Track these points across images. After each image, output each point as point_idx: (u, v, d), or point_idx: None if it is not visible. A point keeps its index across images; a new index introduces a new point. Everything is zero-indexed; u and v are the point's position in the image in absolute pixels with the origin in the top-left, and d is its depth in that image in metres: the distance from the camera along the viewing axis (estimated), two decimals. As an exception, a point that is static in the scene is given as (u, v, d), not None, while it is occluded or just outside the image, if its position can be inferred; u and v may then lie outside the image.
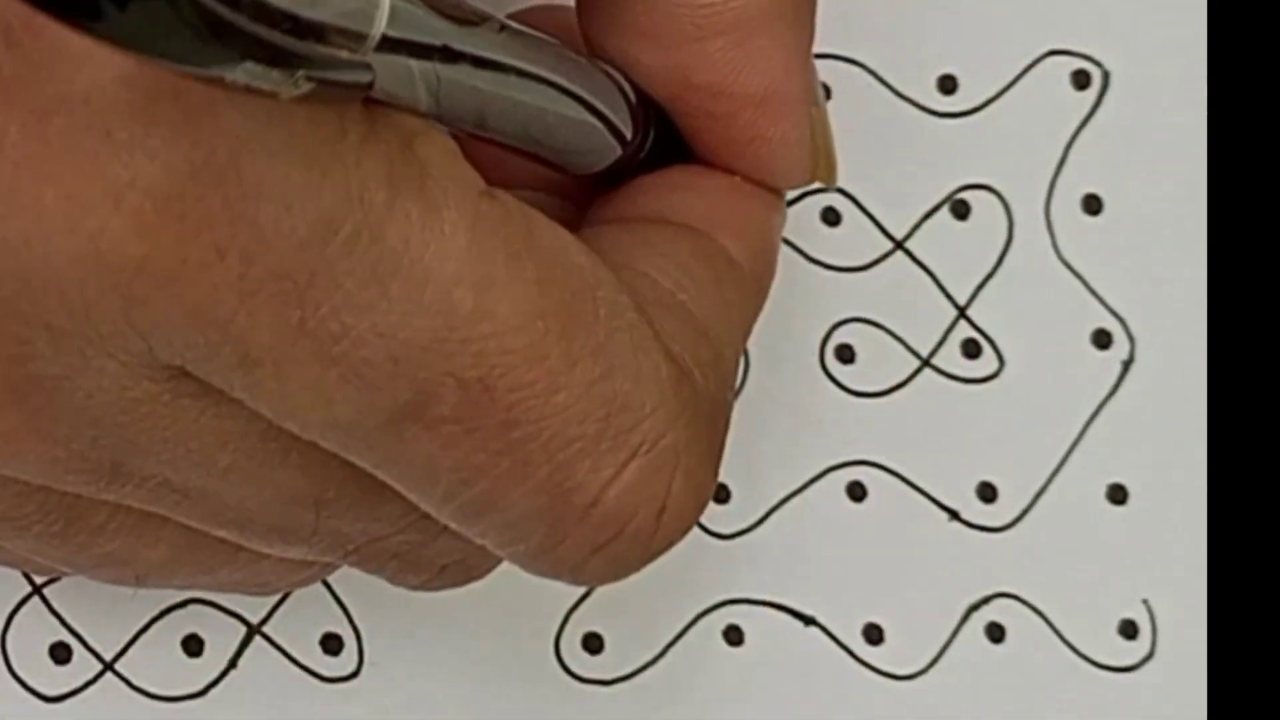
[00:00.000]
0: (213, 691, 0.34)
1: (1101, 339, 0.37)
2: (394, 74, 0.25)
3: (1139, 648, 0.36)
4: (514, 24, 0.28)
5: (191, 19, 0.20)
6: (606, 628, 0.35)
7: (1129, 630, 0.36)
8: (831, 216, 0.36)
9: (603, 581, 0.28)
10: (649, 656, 0.35)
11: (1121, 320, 0.37)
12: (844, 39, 0.36)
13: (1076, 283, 0.37)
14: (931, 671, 0.35)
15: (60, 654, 0.33)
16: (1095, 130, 0.37)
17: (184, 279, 0.24)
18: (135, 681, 0.33)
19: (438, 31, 0.26)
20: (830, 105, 0.36)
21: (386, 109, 0.25)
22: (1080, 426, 0.36)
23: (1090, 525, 0.36)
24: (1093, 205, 0.37)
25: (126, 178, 0.24)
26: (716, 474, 0.28)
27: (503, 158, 0.29)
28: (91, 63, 0.23)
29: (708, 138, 0.31)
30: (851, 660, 0.35)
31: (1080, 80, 0.37)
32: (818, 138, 0.31)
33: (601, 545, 0.27)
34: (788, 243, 0.36)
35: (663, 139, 0.31)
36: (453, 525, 0.27)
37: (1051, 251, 0.37)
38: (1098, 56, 0.37)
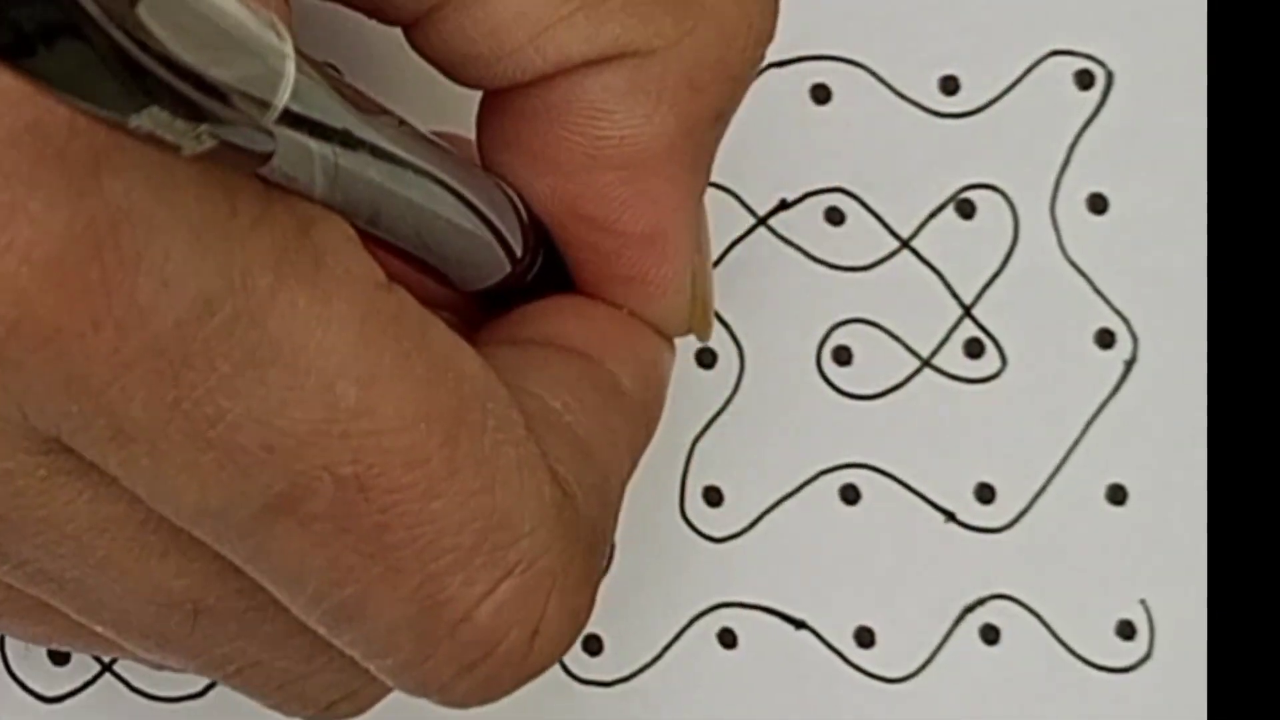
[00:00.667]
0: (211, 692, 0.34)
1: (1105, 338, 0.36)
2: (293, 153, 0.24)
3: (1136, 648, 0.36)
4: (413, 124, 0.28)
5: (107, 60, 0.20)
6: (605, 629, 0.35)
7: (1126, 631, 0.36)
8: (836, 216, 0.36)
9: (472, 703, 0.28)
10: (648, 658, 0.35)
11: (1125, 320, 0.36)
12: (845, 40, 0.36)
13: (1081, 282, 0.37)
14: (924, 674, 0.36)
15: (59, 654, 0.33)
16: (1100, 130, 0.37)
17: (58, 346, 0.24)
18: (134, 682, 0.33)
19: (339, 115, 0.26)
20: (832, 106, 0.36)
21: (285, 193, 0.25)
22: (1081, 426, 0.36)
23: (1089, 526, 0.36)
24: (1098, 204, 0.37)
25: (4, 240, 0.23)
26: (593, 600, 0.28)
27: (391, 269, 0.28)
28: None
29: (590, 269, 0.30)
30: (842, 663, 0.35)
31: (1084, 80, 0.36)
32: (697, 287, 0.31)
33: (471, 664, 0.27)
34: (790, 243, 0.36)
35: (550, 264, 0.31)
36: (321, 631, 0.27)
37: (1057, 251, 0.36)
38: (1101, 56, 0.37)
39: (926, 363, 0.36)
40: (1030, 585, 0.36)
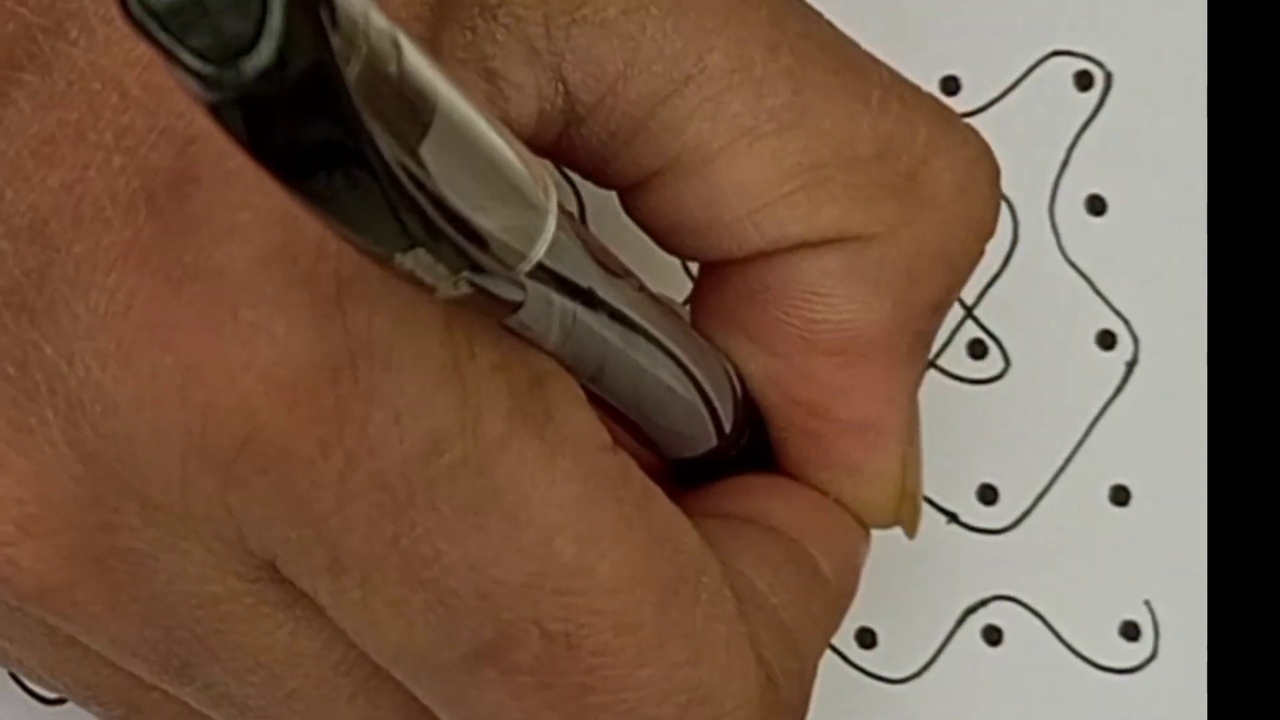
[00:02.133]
0: (211, 693, 0.34)
1: (1106, 340, 0.36)
2: (536, 304, 0.24)
3: (1141, 649, 0.36)
4: (649, 289, 0.28)
5: (385, 194, 0.20)
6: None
7: (1130, 632, 0.36)
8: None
9: None
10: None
11: (1126, 321, 0.36)
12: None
13: (1082, 283, 0.36)
14: (926, 675, 0.35)
15: (60, 656, 0.33)
16: (1099, 131, 0.37)
17: (285, 469, 0.23)
18: (135, 683, 0.33)
19: (587, 273, 0.25)
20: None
21: (521, 343, 0.25)
22: (1084, 428, 0.36)
23: (1092, 527, 0.36)
24: (1097, 205, 0.37)
25: (244, 358, 0.23)
26: None
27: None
28: (230, 239, 0.23)
29: (799, 454, 0.30)
30: (844, 664, 0.35)
31: (1083, 81, 0.36)
32: (908, 480, 0.30)
33: None
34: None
35: (755, 439, 0.30)
36: None
37: (1057, 252, 0.36)
38: (1100, 57, 0.37)
39: (930, 363, 0.36)
40: (1033, 586, 0.36)
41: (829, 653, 0.35)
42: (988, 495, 0.36)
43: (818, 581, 0.29)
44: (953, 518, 0.36)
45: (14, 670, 0.29)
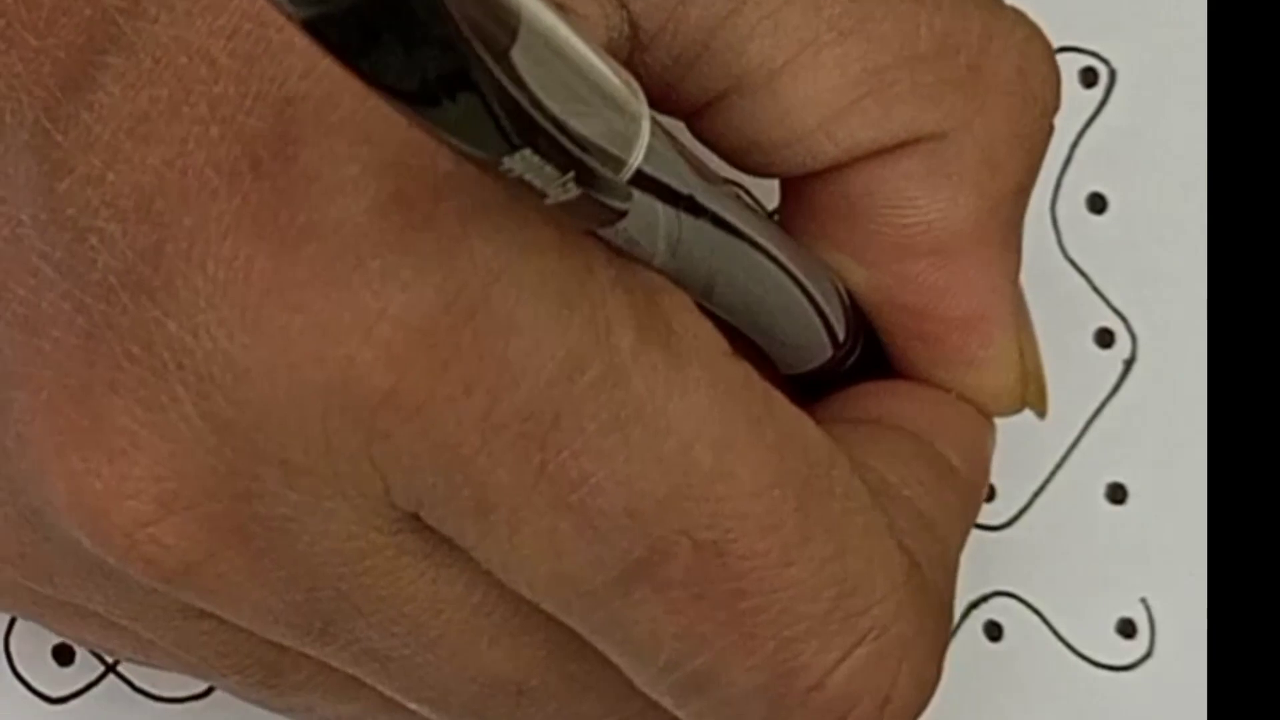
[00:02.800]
0: (215, 692, 0.33)
1: (1104, 338, 0.37)
2: (640, 215, 0.24)
3: (1137, 647, 0.36)
4: (759, 210, 0.28)
5: (489, 103, 0.20)
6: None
7: (1127, 629, 0.36)
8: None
9: None
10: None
11: (1124, 319, 0.37)
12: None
13: (1081, 281, 0.37)
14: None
15: (63, 655, 0.33)
16: (1101, 129, 0.37)
17: (430, 414, 0.23)
18: (137, 683, 0.33)
19: (686, 179, 0.25)
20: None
21: (630, 259, 0.25)
22: (1081, 425, 0.36)
23: (1089, 524, 0.36)
24: (1097, 204, 0.37)
25: (377, 308, 0.23)
26: (941, 670, 0.27)
27: None
28: (343, 193, 0.23)
29: (913, 356, 0.30)
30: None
31: (1088, 78, 0.36)
32: (1028, 363, 0.30)
33: None
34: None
35: (866, 351, 0.30)
36: (666, 702, 0.26)
37: (1057, 249, 0.37)
38: (1105, 54, 0.37)
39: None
40: (1032, 583, 0.36)
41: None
42: (987, 491, 0.36)
43: (950, 473, 0.29)
44: (955, 515, 0.36)
45: (133, 658, 0.28)
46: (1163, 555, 0.36)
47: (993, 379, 0.30)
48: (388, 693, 0.27)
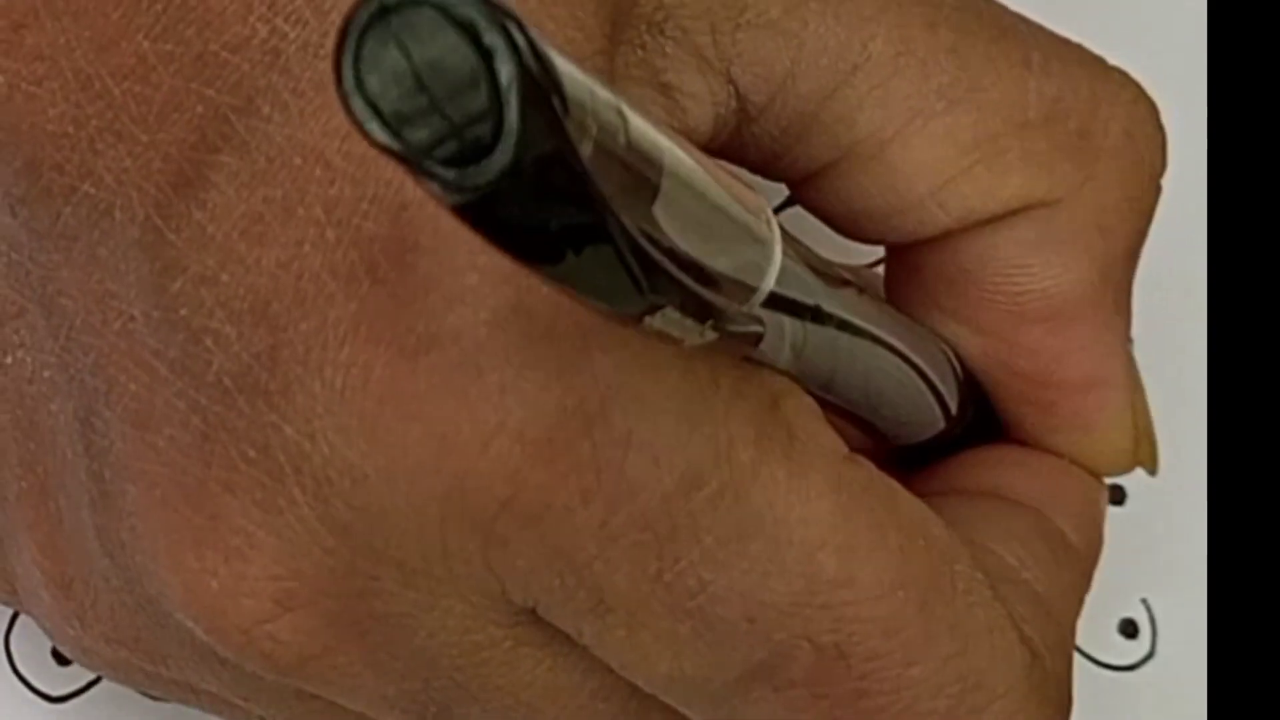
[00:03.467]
0: (216, 692, 0.33)
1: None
2: (770, 332, 0.24)
3: (1139, 647, 0.36)
4: (875, 294, 0.27)
5: (626, 261, 0.20)
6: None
7: (1129, 629, 0.36)
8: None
9: None
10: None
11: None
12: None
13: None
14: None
15: (63, 654, 0.33)
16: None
17: (547, 522, 0.23)
18: (138, 682, 0.33)
19: (813, 291, 0.26)
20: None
21: (754, 365, 0.25)
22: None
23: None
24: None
25: (496, 420, 0.23)
26: None
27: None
28: (462, 302, 0.23)
29: (1028, 421, 0.30)
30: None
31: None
32: (1140, 424, 0.30)
33: None
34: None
35: (978, 415, 0.30)
36: None
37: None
38: (1102, 56, 0.37)
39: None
40: (1034, 583, 0.36)
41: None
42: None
43: (1065, 549, 0.29)
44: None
45: None
46: (1164, 556, 0.36)
47: (1108, 441, 0.30)
48: None
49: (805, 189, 0.29)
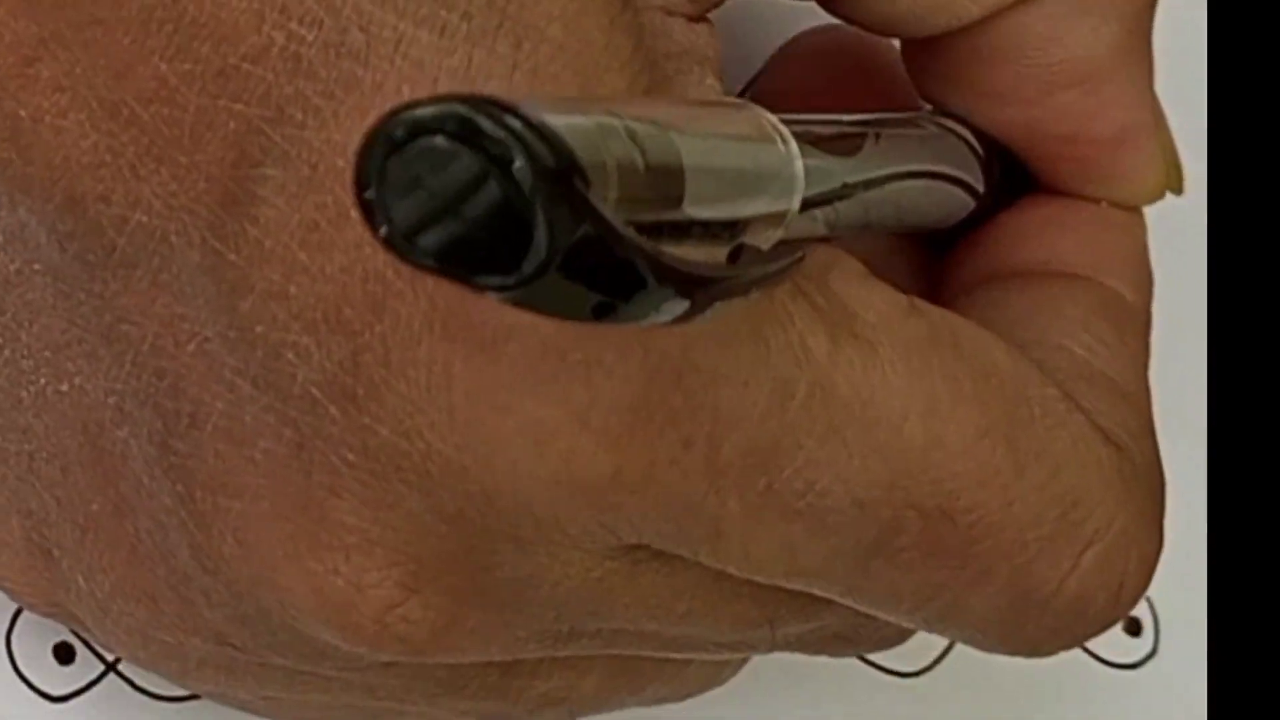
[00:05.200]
0: (219, 691, 0.33)
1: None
2: (804, 225, 0.25)
3: (1142, 645, 0.36)
4: (886, 128, 0.28)
5: (686, 291, 0.20)
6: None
7: (1133, 627, 0.36)
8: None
9: (1058, 652, 0.29)
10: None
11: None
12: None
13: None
14: (936, 668, 0.35)
15: (64, 654, 0.32)
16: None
17: (654, 478, 0.24)
18: (139, 682, 0.32)
19: (835, 175, 0.26)
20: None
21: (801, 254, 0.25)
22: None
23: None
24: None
25: (588, 398, 0.23)
26: (1162, 536, 0.28)
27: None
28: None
29: (1066, 179, 0.31)
30: (856, 657, 0.35)
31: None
32: (1167, 154, 0.31)
33: (1061, 631, 0.28)
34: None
35: (1009, 173, 0.31)
36: (916, 626, 0.28)
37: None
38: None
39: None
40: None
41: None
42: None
43: (1126, 316, 0.30)
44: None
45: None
46: (1167, 553, 0.36)
47: (1139, 181, 0.31)
48: (643, 654, 0.28)
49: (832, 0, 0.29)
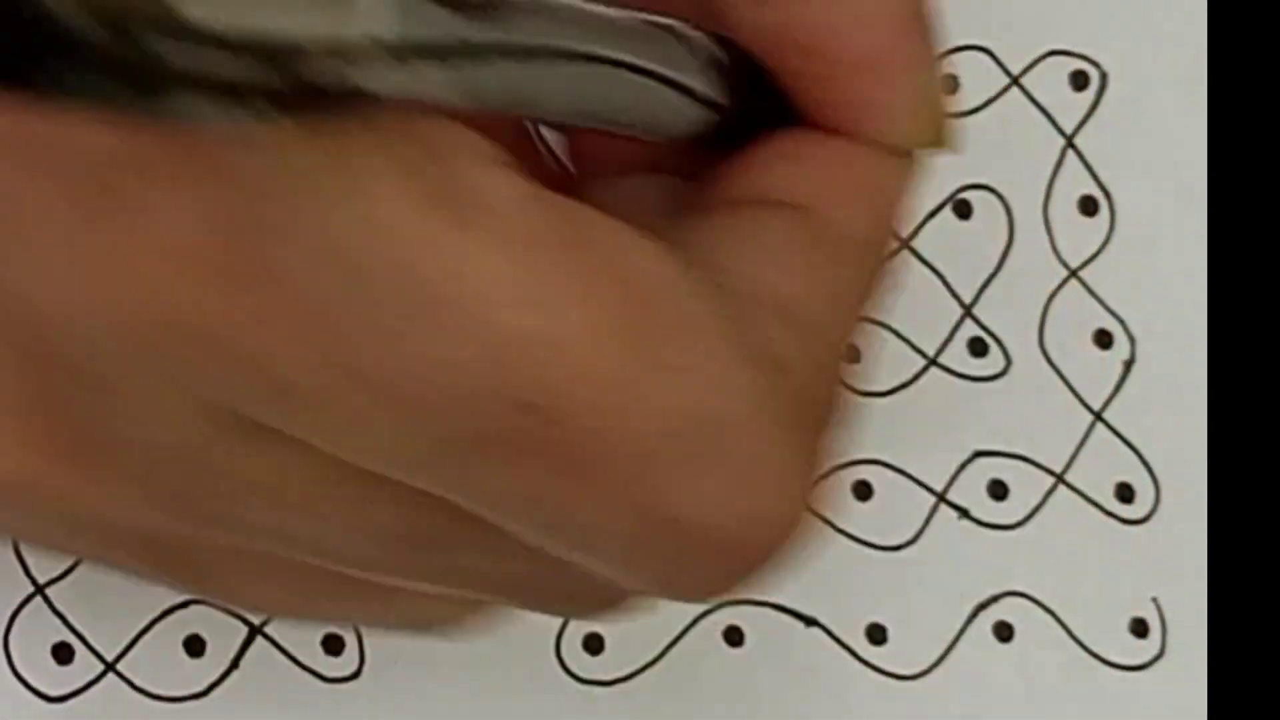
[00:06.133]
0: (214, 692, 0.33)
1: (1103, 339, 0.37)
2: (408, 79, 0.23)
3: (1149, 646, 0.36)
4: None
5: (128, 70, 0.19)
6: (607, 628, 0.35)
7: (1139, 628, 0.36)
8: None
9: (700, 598, 0.27)
10: (649, 657, 0.35)
11: (1121, 321, 0.37)
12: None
13: (1075, 283, 0.37)
14: (936, 671, 0.35)
15: (62, 654, 0.33)
16: (1094, 131, 0.37)
17: (222, 332, 0.23)
18: (137, 682, 0.33)
19: (447, 26, 0.23)
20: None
21: (410, 121, 0.24)
22: (1087, 425, 0.36)
23: (1100, 523, 0.36)
24: (1091, 206, 0.37)
25: (143, 239, 0.23)
26: (812, 482, 0.26)
27: (598, 139, 0.27)
28: (88, 123, 0.23)
29: (809, 100, 0.28)
30: (854, 660, 0.35)
31: (1079, 81, 0.37)
32: (927, 100, 0.29)
33: (692, 562, 0.26)
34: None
35: (774, 99, 0.29)
36: (537, 546, 0.26)
37: (1051, 251, 0.37)
38: (1096, 57, 0.37)
39: (933, 361, 0.36)
40: (1043, 583, 0.36)
41: (839, 650, 0.35)
42: (998, 490, 0.36)
43: (839, 248, 0.28)
44: (964, 513, 0.36)
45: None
46: (1174, 555, 0.36)
47: (890, 120, 0.28)
48: (305, 559, 0.27)
49: None
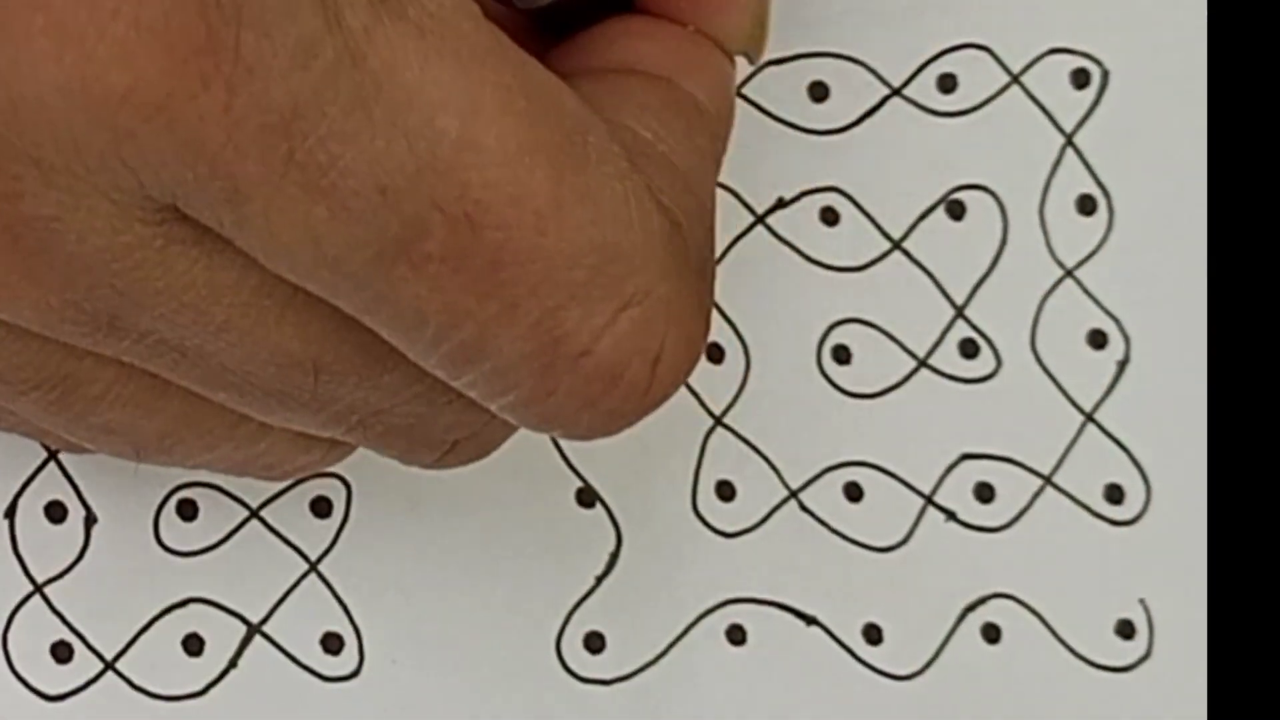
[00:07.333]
0: (213, 691, 0.34)
1: (1097, 339, 0.37)
2: None
3: (1136, 648, 0.36)
4: None
5: None
6: (608, 627, 0.35)
7: (1126, 630, 0.36)
8: (830, 216, 0.36)
9: (595, 436, 0.28)
10: (650, 656, 0.35)
11: (1117, 321, 0.37)
12: (844, 37, 0.36)
13: (1071, 283, 0.37)
14: (928, 672, 0.36)
15: (61, 653, 0.33)
16: (1094, 129, 0.37)
17: (170, 110, 0.24)
18: (136, 680, 0.33)
19: None
20: (830, 103, 0.36)
21: None
22: (1078, 426, 0.36)
23: (1088, 525, 0.36)
24: (1088, 205, 0.37)
25: (111, 6, 0.23)
26: (708, 328, 0.28)
27: None
28: None
29: None
30: (852, 660, 0.35)
31: (1079, 79, 0.37)
32: (754, 8, 0.31)
33: (594, 397, 0.27)
34: (787, 243, 0.36)
35: None
36: (441, 375, 0.27)
37: (1046, 251, 0.37)
38: (1097, 55, 0.37)
39: (923, 363, 0.36)
40: (1030, 585, 0.36)
41: (837, 649, 0.35)
42: (984, 493, 0.36)
43: (699, 116, 0.29)
44: (951, 515, 0.36)
45: None
46: (1162, 556, 0.36)
47: (726, 15, 0.30)
48: (191, 386, 0.27)
49: None
